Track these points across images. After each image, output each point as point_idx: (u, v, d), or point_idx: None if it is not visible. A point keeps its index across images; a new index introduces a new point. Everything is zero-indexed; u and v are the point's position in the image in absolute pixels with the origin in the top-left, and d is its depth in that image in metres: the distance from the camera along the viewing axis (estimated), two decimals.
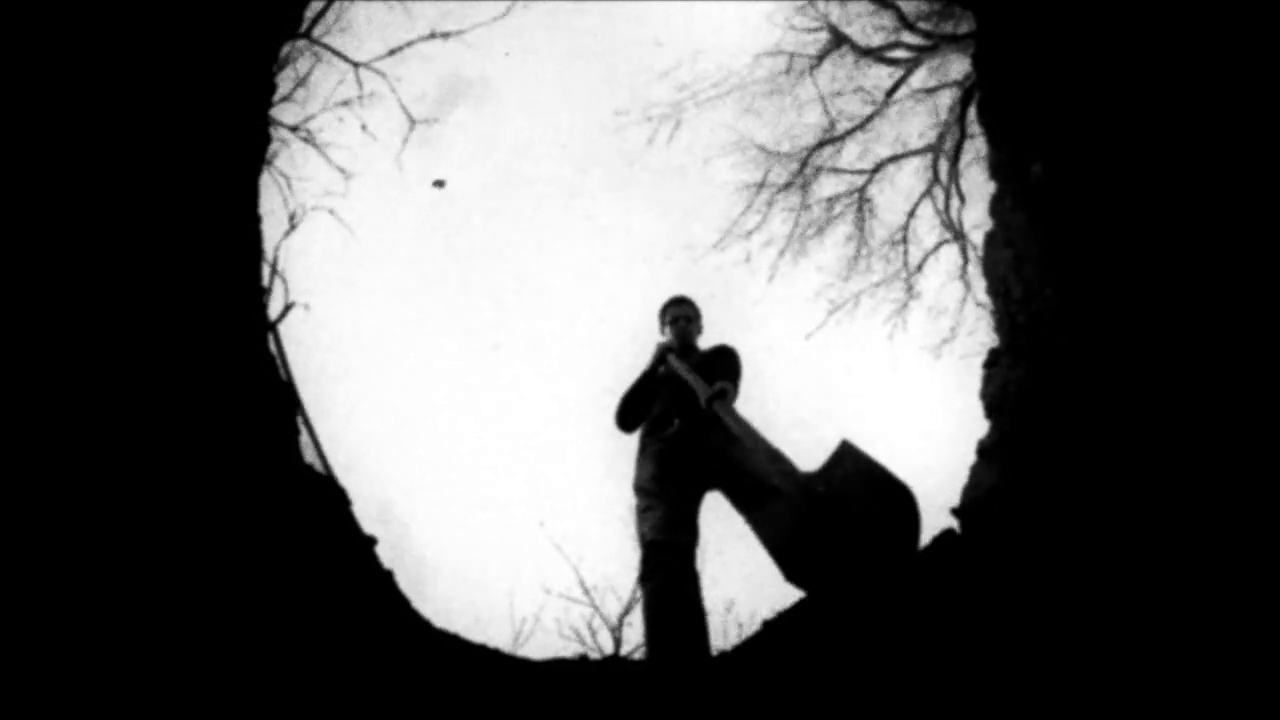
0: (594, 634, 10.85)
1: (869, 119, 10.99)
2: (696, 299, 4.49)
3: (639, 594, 10.77)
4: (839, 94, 10.99)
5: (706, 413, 3.37)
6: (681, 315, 4.31)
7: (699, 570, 3.04)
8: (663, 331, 4.34)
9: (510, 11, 11.05)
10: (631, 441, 3.83)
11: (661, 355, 3.98)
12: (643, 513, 3.28)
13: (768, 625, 2.53)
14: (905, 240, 11.13)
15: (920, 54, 10.40)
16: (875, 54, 10.63)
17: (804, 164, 11.29)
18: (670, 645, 2.69)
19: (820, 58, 10.83)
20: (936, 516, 2.70)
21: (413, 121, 11.53)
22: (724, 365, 3.91)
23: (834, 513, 2.70)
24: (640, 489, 3.41)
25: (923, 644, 2.28)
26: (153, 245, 2.36)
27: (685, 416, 3.49)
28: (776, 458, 2.93)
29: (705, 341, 4.35)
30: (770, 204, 11.52)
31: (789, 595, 2.85)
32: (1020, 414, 2.35)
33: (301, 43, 9.99)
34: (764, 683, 2.45)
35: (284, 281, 10.62)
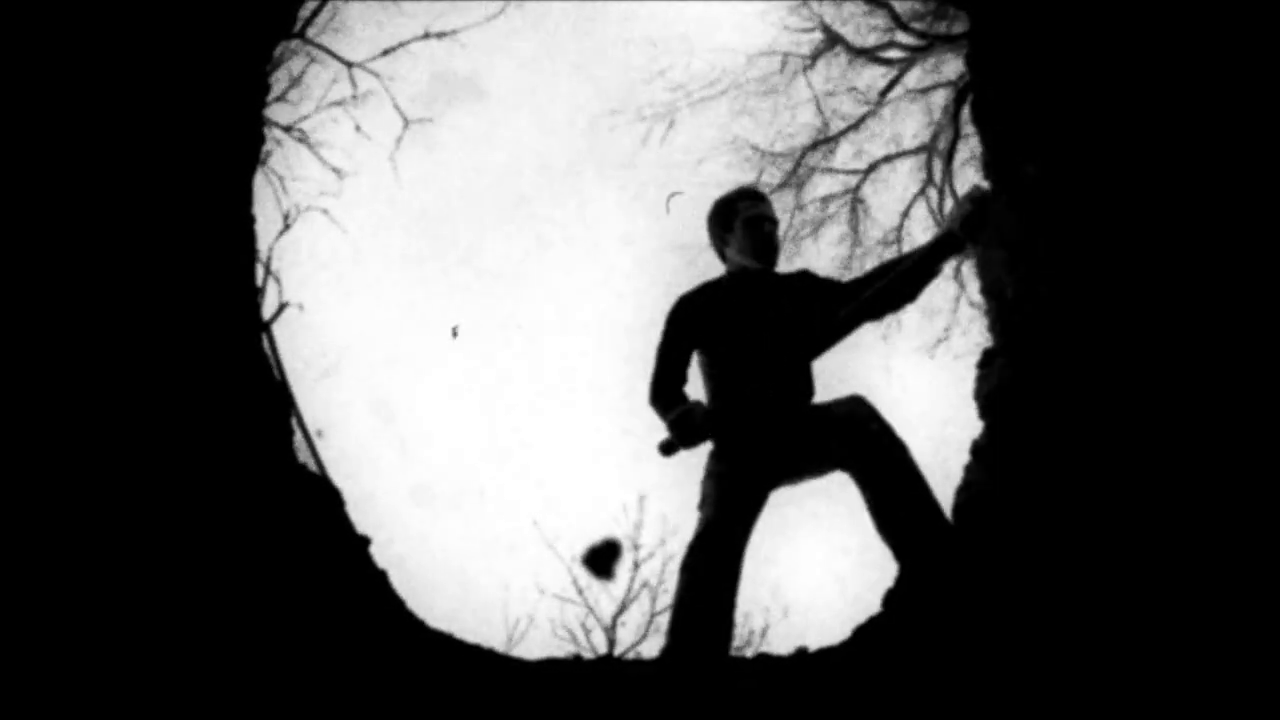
0: (588, 634, 10.86)
1: (863, 119, 11.00)
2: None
3: (633, 590, 10.78)
4: (833, 94, 11.00)
5: (691, 443, 2.81)
6: (767, 216, 3.04)
7: (742, 571, 2.79)
8: (724, 240, 3.11)
9: (504, 11, 11.05)
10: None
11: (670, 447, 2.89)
12: (706, 498, 2.83)
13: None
14: (899, 240, 11.15)
15: (914, 54, 10.42)
16: (869, 54, 10.64)
17: (798, 164, 11.29)
18: (690, 645, 2.61)
19: (814, 58, 10.85)
20: None
21: (406, 121, 11.52)
22: (824, 309, 2.92)
23: None
24: (712, 475, 2.85)
25: (919, 647, 2.28)
26: (146, 245, 2.35)
27: (764, 410, 2.84)
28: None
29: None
30: None
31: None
32: (1014, 414, 2.36)
33: (295, 43, 9.97)
34: (763, 688, 2.45)
35: (278, 282, 10.61)
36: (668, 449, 2.86)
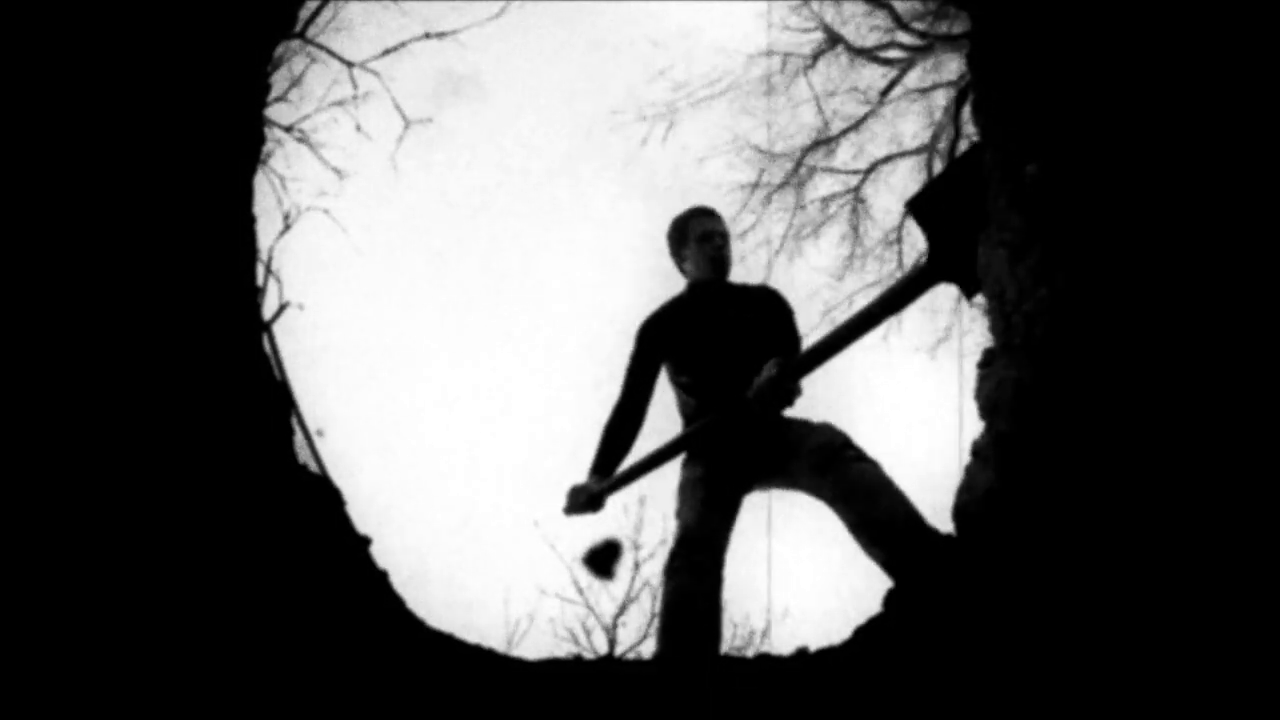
0: (588, 634, 10.87)
1: (863, 119, 11.01)
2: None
3: (634, 590, 10.76)
4: (833, 94, 11.01)
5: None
6: (717, 232, 3.28)
7: (725, 574, 2.87)
8: (681, 256, 3.32)
9: (504, 10, 11.06)
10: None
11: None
12: (683, 504, 2.93)
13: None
14: (900, 240, 11.15)
15: (915, 54, 10.42)
16: (870, 54, 10.65)
17: (798, 164, 11.30)
18: (681, 647, 2.63)
19: (815, 58, 10.85)
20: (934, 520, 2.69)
21: (407, 121, 11.53)
22: (776, 327, 3.15)
23: None
24: (687, 481, 2.98)
25: (920, 648, 2.28)
26: (147, 246, 2.35)
27: (732, 418, 2.96)
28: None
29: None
30: (765, 204, 11.54)
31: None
32: (1015, 415, 2.36)
33: (296, 42, 9.98)
34: (763, 688, 2.45)
35: (278, 282, 10.65)
36: (567, 511, 3.17)
